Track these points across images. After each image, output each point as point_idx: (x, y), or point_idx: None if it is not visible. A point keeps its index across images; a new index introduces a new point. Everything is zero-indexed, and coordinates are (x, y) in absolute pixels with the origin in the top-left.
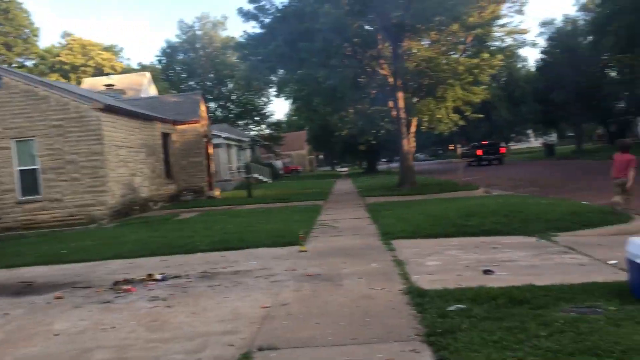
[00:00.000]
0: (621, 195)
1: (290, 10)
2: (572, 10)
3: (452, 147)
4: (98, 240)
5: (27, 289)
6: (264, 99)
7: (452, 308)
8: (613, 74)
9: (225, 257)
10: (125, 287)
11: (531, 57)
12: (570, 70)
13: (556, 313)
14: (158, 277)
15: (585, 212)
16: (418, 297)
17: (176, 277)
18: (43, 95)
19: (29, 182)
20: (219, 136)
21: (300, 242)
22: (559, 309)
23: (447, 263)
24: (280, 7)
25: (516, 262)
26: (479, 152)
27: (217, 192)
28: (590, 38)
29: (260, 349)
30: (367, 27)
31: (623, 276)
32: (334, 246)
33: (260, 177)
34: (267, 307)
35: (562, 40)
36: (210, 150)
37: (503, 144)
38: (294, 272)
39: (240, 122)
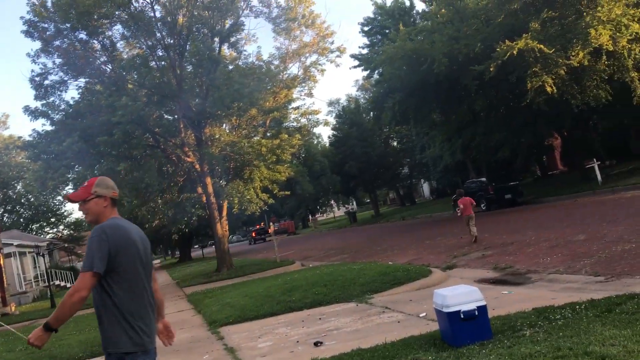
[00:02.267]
0: (473, 226)
1: (83, 105)
2: (353, 90)
3: (261, 225)
4: None
5: None
6: (60, 199)
7: None
8: (395, 143)
9: None
10: None
11: (325, 133)
12: (359, 142)
13: None
14: None
15: (392, 271)
16: None
17: None
18: None
19: None
20: (11, 244)
21: None
22: None
23: (279, 341)
24: (72, 102)
25: (342, 329)
26: (254, 234)
27: (13, 308)
28: (371, 114)
29: None
30: (167, 116)
31: (434, 326)
32: (159, 345)
33: (63, 284)
34: None
35: (348, 117)
36: (2, 261)
37: (271, 225)
38: None
39: (33, 226)
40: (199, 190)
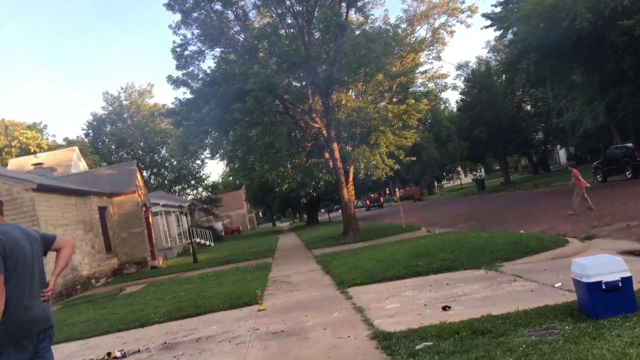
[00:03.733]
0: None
1: (219, 74)
2: (484, 52)
3: (375, 195)
4: None
5: None
6: (199, 162)
7: (419, 346)
8: (528, 107)
9: (183, 325)
10: None
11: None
12: (489, 107)
13: (517, 339)
14: (118, 354)
15: (524, 240)
16: (385, 340)
17: (137, 352)
18: None
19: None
20: (157, 204)
21: (258, 301)
22: (520, 335)
23: (406, 304)
24: (209, 71)
25: (470, 295)
26: (368, 202)
27: (160, 261)
28: (503, 77)
29: None
30: (296, 83)
31: (571, 297)
32: (292, 301)
33: (203, 241)
34: None
35: (478, 81)
36: (150, 219)
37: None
38: (258, 331)
39: (176, 188)
40: (326, 155)
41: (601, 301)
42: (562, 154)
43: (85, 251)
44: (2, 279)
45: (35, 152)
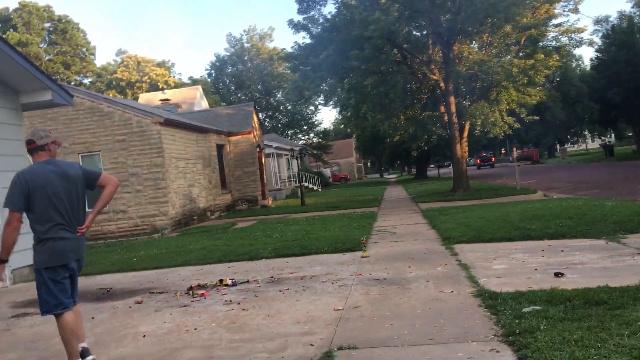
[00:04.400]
0: None
1: (339, 20)
2: (627, 7)
3: (487, 154)
4: (164, 248)
5: (106, 294)
6: (312, 108)
7: (527, 309)
8: None
9: (289, 263)
10: (199, 291)
11: (585, 55)
12: (628, 67)
13: (636, 313)
14: (229, 282)
15: None
16: (489, 299)
17: (245, 282)
18: (107, 112)
19: (95, 195)
20: (270, 146)
21: (362, 248)
22: (638, 310)
23: (514, 266)
24: (329, 17)
25: (587, 264)
26: (478, 160)
27: (270, 201)
28: None
29: (341, 348)
30: (416, 32)
31: None
32: (395, 251)
33: (311, 186)
34: (339, 309)
35: (618, 38)
36: (263, 160)
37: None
38: (360, 276)
39: (289, 132)
40: (442, 109)
41: None
42: None
43: (203, 185)
44: (17, 216)
45: (163, 89)
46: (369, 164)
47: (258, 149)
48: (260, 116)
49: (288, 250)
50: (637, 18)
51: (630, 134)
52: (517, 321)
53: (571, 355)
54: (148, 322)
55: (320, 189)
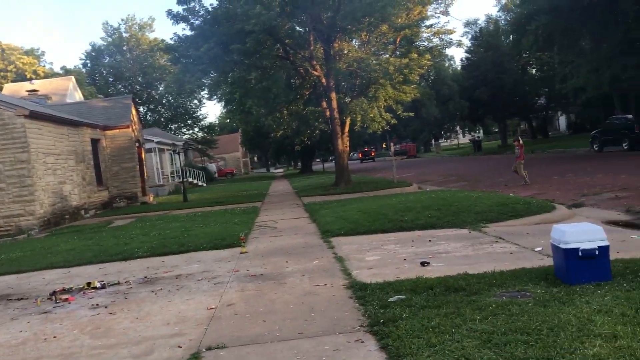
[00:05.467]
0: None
1: (220, 12)
2: (494, 11)
3: (367, 149)
4: (29, 251)
5: None
6: (196, 102)
7: (392, 299)
8: (533, 71)
9: (165, 262)
10: (63, 296)
11: (457, 56)
12: (494, 68)
13: (489, 298)
14: (97, 284)
15: (511, 203)
16: (360, 290)
17: (116, 284)
18: None
19: None
20: (151, 141)
21: (241, 244)
22: (492, 295)
23: (386, 257)
24: (210, 9)
25: (451, 253)
26: (360, 155)
27: (151, 198)
28: (511, 37)
29: (209, 349)
30: (299, 28)
31: (548, 262)
32: (275, 246)
33: (195, 181)
34: (212, 308)
35: (485, 40)
36: (143, 155)
37: (373, 149)
38: (237, 273)
39: (172, 126)
40: (324, 104)
41: (576, 268)
42: (562, 121)
43: (76, 182)
44: None
45: (31, 79)
46: (255, 158)
47: (137, 144)
48: (140, 109)
49: (165, 249)
50: (503, 22)
51: (496, 130)
52: (382, 311)
53: (428, 341)
54: (2, 332)
55: (205, 185)
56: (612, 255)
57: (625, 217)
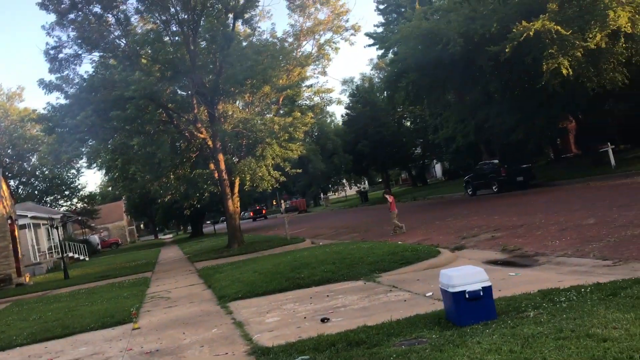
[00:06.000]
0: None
1: (97, 80)
2: (368, 69)
3: (259, 207)
4: None
5: None
6: (74, 172)
7: None
8: (408, 123)
9: (49, 348)
10: None
11: (338, 112)
12: (372, 122)
13: (389, 348)
14: None
15: (400, 251)
16: (262, 355)
17: None
18: None
19: None
20: (25, 216)
21: (132, 319)
22: (391, 344)
23: (286, 317)
24: (85, 76)
25: (349, 306)
26: (252, 213)
27: (27, 278)
28: (385, 93)
29: None
30: (181, 92)
31: (439, 306)
32: (170, 317)
33: (76, 256)
34: None
35: (362, 96)
36: (17, 232)
37: (264, 207)
38: (131, 351)
39: (47, 199)
40: (212, 166)
41: (465, 310)
42: (438, 168)
43: None
44: None
45: None
46: (142, 225)
47: (10, 221)
48: (11, 183)
49: (47, 333)
50: (377, 79)
51: (379, 180)
52: None
53: None
54: None
55: (87, 258)
56: (495, 294)
57: (502, 255)
